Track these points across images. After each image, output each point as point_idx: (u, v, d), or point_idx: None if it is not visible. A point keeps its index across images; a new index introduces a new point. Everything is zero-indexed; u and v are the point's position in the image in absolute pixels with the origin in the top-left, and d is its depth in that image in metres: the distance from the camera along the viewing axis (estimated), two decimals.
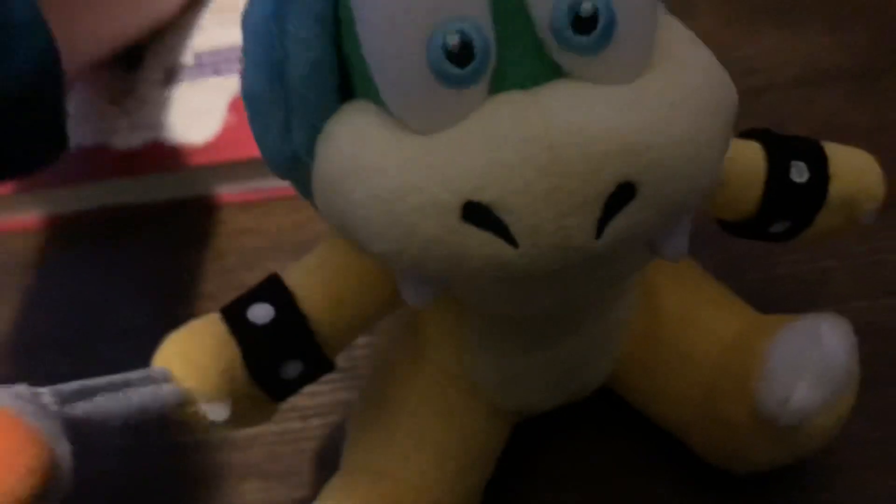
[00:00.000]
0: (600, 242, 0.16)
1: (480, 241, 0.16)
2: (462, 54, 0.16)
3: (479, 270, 0.16)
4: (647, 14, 0.17)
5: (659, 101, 0.16)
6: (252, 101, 0.19)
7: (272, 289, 0.22)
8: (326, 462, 0.30)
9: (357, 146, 0.17)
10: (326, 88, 0.19)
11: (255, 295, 0.22)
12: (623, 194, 0.16)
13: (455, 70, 0.16)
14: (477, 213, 0.16)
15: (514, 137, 0.16)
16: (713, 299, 0.26)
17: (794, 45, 0.39)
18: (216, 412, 0.21)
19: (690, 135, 0.16)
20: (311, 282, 0.22)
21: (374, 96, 0.18)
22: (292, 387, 0.22)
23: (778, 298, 0.31)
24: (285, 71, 0.18)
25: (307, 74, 0.18)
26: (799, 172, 0.23)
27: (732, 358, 0.24)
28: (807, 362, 0.23)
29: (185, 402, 0.21)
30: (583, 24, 0.16)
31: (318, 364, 0.22)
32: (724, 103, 0.17)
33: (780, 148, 0.23)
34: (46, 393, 0.18)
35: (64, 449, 0.17)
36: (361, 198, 0.17)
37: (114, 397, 0.19)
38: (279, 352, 0.21)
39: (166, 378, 0.21)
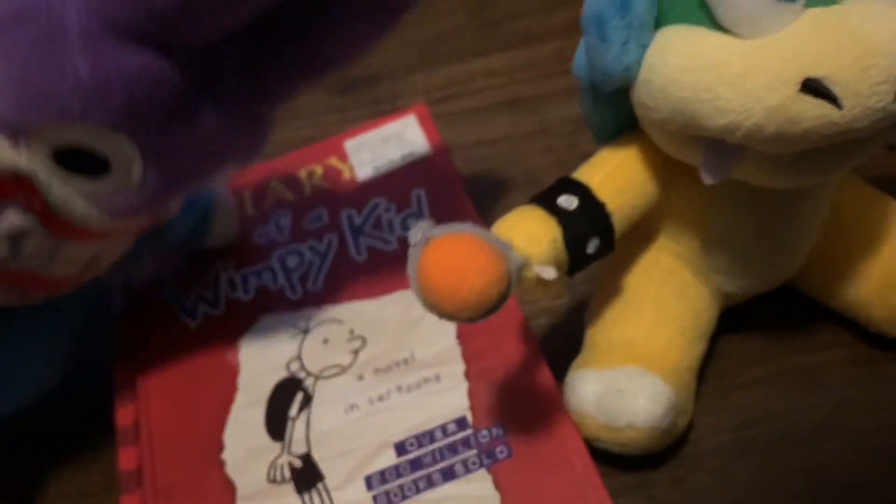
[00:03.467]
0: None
1: (814, 106, 0.23)
2: None
3: (811, 130, 0.23)
4: None
5: None
6: (600, 25, 0.26)
7: (570, 185, 0.29)
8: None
9: (699, 49, 0.25)
10: (654, 16, 0.26)
11: (557, 189, 0.29)
12: None
13: None
14: (812, 86, 0.23)
15: (840, 30, 0.23)
16: (879, 200, 0.33)
17: None
18: (548, 272, 0.27)
19: None
20: (600, 177, 0.29)
21: (691, 20, 0.25)
22: (588, 261, 0.29)
23: None
24: (631, 2, 0.25)
25: (648, 5, 0.25)
26: None
27: None
28: None
29: (524, 265, 0.27)
30: None
31: (609, 242, 0.29)
32: None
33: None
34: None
35: (513, 268, 0.23)
36: (709, 83, 0.24)
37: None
38: (587, 229, 0.28)
39: (508, 247, 0.27)
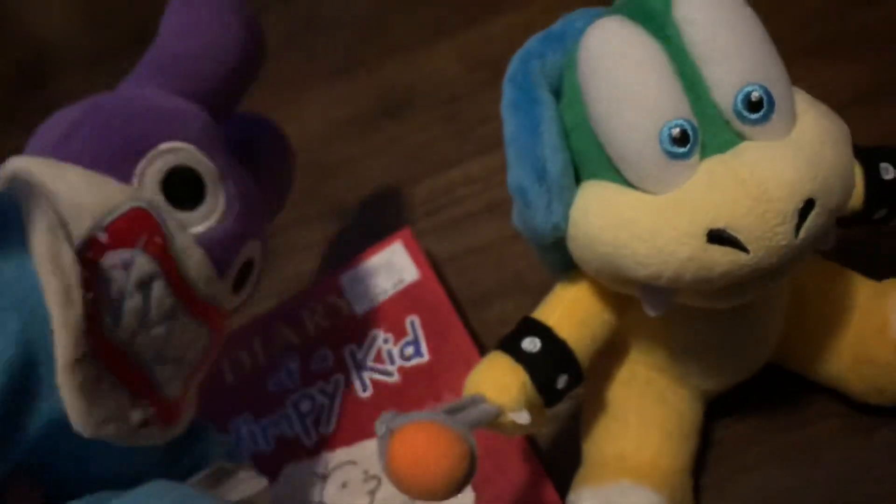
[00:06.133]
0: (799, 239, 0.25)
1: (722, 253, 0.25)
2: (682, 139, 0.26)
3: (725, 273, 0.26)
4: (790, 92, 0.27)
5: (813, 144, 0.26)
6: (522, 194, 0.28)
7: (532, 326, 0.31)
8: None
9: (612, 208, 0.27)
10: (572, 176, 0.28)
11: (520, 333, 0.31)
12: (808, 207, 0.25)
13: (679, 149, 0.26)
14: (717, 235, 0.25)
15: (733, 182, 0.25)
16: (841, 275, 0.35)
17: (845, 70, 0.48)
18: (522, 417, 0.29)
19: (838, 160, 0.26)
20: (558, 315, 0.31)
21: (603, 177, 0.28)
22: (561, 395, 0.31)
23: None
24: (546, 170, 0.28)
25: (562, 169, 0.28)
26: (886, 171, 0.32)
27: (870, 313, 0.33)
28: None
29: (499, 414, 0.29)
30: (754, 105, 0.26)
31: (578, 375, 0.31)
32: (845, 134, 0.27)
33: (868, 155, 0.32)
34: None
35: (474, 444, 0.26)
36: (625, 240, 0.26)
37: (462, 416, 0.28)
38: (553, 369, 0.30)
39: (482, 400, 0.29)
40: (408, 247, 0.47)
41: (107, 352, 0.29)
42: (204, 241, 0.32)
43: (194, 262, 0.32)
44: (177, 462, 0.35)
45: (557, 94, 0.29)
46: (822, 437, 0.36)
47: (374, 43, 0.65)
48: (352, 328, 0.45)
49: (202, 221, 0.32)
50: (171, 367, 0.32)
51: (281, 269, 0.56)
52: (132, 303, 0.30)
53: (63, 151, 0.31)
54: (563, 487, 0.36)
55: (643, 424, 0.34)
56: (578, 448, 0.37)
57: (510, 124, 0.28)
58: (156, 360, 0.31)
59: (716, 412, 0.37)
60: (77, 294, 0.27)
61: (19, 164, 0.30)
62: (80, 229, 0.28)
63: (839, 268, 0.35)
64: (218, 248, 0.33)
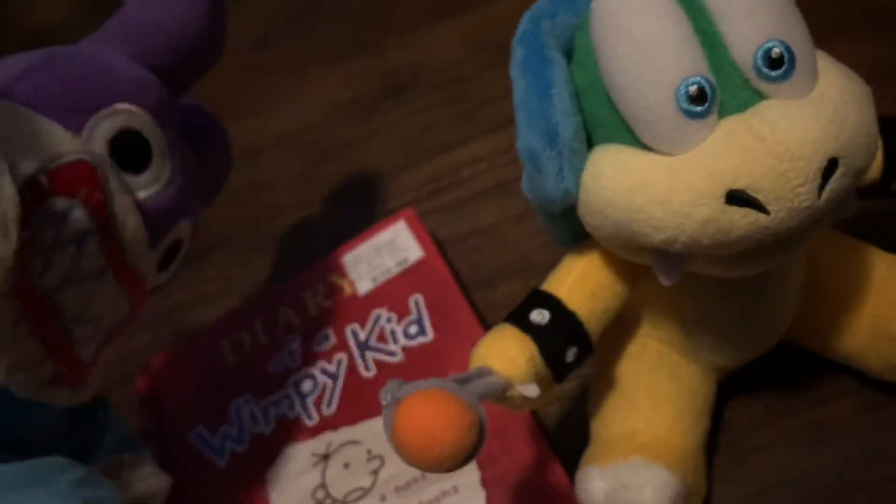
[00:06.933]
0: (821, 201, 0.24)
1: (742, 215, 0.24)
2: (700, 97, 0.25)
3: (744, 237, 0.25)
4: (811, 49, 0.25)
5: (836, 103, 0.25)
6: (533, 158, 0.27)
7: (540, 298, 0.30)
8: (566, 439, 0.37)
9: (627, 171, 0.26)
10: (583, 140, 0.27)
11: (529, 305, 0.30)
12: (831, 167, 0.24)
13: (696, 108, 0.25)
14: (736, 196, 0.24)
15: (753, 141, 0.24)
16: (857, 249, 0.34)
17: (858, 49, 0.47)
18: (530, 390, 0.28)
19: (861, 119, 0.25)
20: (567, 286, 0.30)
21: (615, 139, 0.26)
22: (570, 368, 0.30)
23: None
24: (557, 133, 0.27)
25: (574, 133, 0.27)
26: None
27: (888, 287, 0.32)
28: None
29: (507, 387, 0.28)
30: (774, 62, 0.25)
31: (587, 348, 0.30)
32: (868, 94, 0.26)
33: (887, 125, 0.31)
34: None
35: (483, 413, 0.25)
36: (641, 204, 0.25)
37: (470, 387, 0.27)
38: (563, 341, 0.29)
39: (489, 373, 0.28)
40: (411, 225, 0.46)
41: (29, 297, 0.28)
42: (142, 209, 0.32)
43: (130, 226, 0.31)
44: (73, 434, 0.34)
45: (568, 55, 0.28)
46: (835, 416, 0.35)
47: (376, 24, 0.64)
48: (354, 308, 0.44)
49: (144, 188, 0.32)
50: (90, 329, 0.31)
51: (282, 250, 0.55)
52: (63, 254, 0.29)
53: (12, 92, 0.30)
54: (572, 467, 0.35)
55: (654, 401, 0.33)
56: (586, 427, 0.36)
57: (520, 86, 0.27)
58: (75, 318, 0.30)
59: (728, 392, 0.36)
60: (13, 228, 0.26)
61: None
62: (25, 168, 0.28)
63: (856, 242, 0.34)
64: (154, 219, 0.32)
